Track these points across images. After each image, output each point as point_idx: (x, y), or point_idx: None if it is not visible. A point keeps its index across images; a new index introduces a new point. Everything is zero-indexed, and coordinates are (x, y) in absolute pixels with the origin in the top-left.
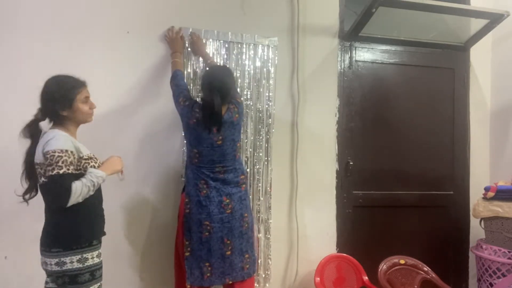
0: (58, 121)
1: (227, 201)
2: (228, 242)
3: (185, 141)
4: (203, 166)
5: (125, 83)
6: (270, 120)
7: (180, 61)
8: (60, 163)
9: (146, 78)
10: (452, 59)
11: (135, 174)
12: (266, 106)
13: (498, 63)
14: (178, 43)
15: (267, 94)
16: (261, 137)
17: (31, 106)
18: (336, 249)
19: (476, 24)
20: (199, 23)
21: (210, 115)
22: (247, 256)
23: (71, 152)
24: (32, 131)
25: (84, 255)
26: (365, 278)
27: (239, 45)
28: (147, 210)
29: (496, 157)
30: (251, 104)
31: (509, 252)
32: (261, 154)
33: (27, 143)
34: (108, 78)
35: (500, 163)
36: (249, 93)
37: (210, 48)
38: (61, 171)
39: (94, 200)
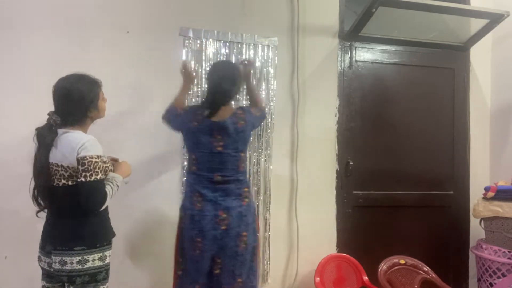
0: (77, 122)
1: (224, 216)
2: (219, 260)
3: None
4: (201, 174)
5: (125, 83)
6: (270, 120)
7: (182, 98)
8: (97, 169)
9: (146, 78)
10: (452, 59)
11: (135, 176)
12: (266, 106)
13: (498, 63)
14: (191, 78)
15: (267, 94)
16: (261, 137)
17: (32, 106)
18: (336, 249)
19: (476, 24)
20: (199, 23)
21: (214, 96)
22: (239, 280)
23: (101, 156)
24: (53, 136)
25: (104, 253)
26: (365, 278)
27: (239, 45)
28: (147, 211)
29: (496, 157)
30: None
31: (509, 252)
32: (261, 154)
33: (33, 145)
34: (108, 78)
35: (500, 163)
36: None
37: (210, 48)
38: (98, 177)
39: None
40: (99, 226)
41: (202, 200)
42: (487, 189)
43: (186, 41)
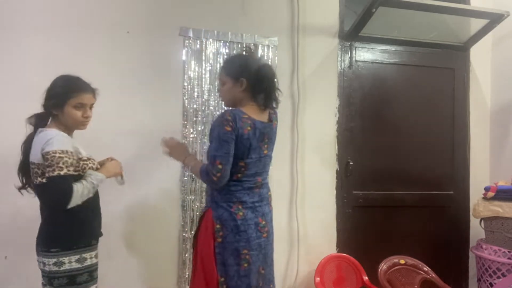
0: (53, 119)
1: (263, 223)
2: (262, 272)
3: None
4: (245, 180)
5: (125, 83)
6: None
7: (197, 163)
8: (60, 164)
9: (146, 78)
10: (452, 59)
11: (135, 176)
12: None
13: (498, 63)
14: (181, 149)
15: None
16: None
17: (32, 106)
18: (336, 249)
19: (476, 24)
20: (199, 23)
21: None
22: (271, 286)
23: (71, 152)
24: (36, 122)
25: (83, 255)
26: (365, 278)
27: (239, 45)
28: (147, 211)
29: (496, 157)
30: None
31: (509, 252)
32: None
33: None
34: (108, 78)
35: (500, 163)
36: None
37: (210, 48)
38: (62, 172)
39: (93, 200)
40: (76, 226)
41: (242, 208)
42: (487, 189)
43: (186, 41)
